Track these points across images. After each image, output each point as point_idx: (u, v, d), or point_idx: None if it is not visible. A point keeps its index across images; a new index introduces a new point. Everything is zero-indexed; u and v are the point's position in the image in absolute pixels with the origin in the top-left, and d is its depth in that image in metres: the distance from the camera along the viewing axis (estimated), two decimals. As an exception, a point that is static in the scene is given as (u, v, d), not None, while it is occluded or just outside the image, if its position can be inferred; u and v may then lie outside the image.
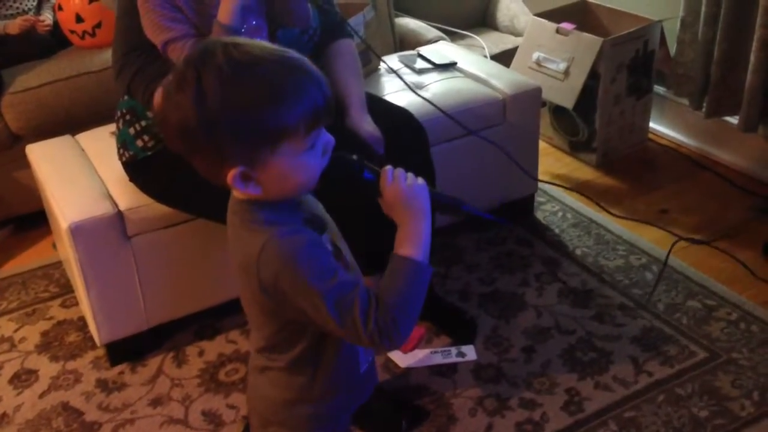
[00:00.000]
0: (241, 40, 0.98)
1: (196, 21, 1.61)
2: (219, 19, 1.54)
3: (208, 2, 1.60)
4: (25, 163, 2.20)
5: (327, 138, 1.01)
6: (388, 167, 1.07)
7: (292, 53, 0.97)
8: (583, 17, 2.81)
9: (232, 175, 0.96)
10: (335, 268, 0.99)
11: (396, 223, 1.05)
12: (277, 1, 1.65)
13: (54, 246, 2.39)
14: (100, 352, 1.99)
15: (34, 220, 2.47)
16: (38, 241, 2.49)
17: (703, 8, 2.50)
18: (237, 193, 1.04)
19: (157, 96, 1.64)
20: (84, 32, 2.58)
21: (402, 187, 1.04)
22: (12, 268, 2.37)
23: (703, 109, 2.62)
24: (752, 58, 2.38)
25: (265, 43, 0.98)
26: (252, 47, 0.96)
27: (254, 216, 1.01)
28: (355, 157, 1.07)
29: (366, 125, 1.76)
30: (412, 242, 1.02)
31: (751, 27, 2.38)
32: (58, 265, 2.34)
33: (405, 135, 1.85)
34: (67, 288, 2.25)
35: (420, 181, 1.06)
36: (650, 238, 2.30)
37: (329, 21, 1.84)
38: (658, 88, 2.82)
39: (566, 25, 2.62)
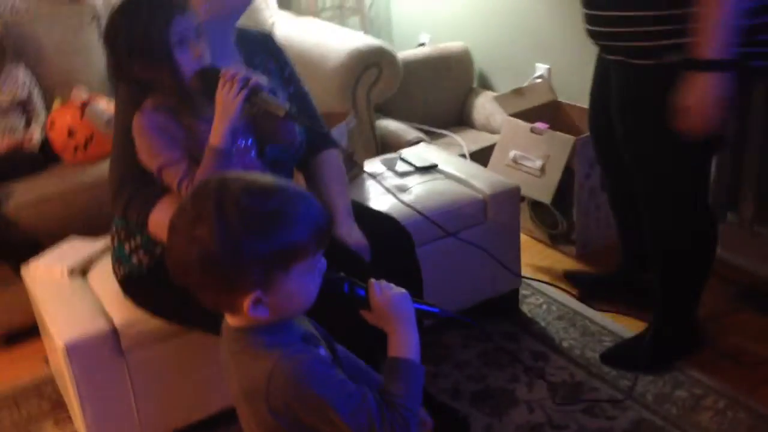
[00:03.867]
0: (247, 174, 1.07)
1: (188, 145, 1.68)
2: (211, 142, 1.62)
3: (196, 128, 1.68)
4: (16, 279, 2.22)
5: (322, 261, 1.10)
6: (373, 281, 1.15)
7: (291, 183, 1.07)
8: (555, 116, 2.93)
9: (249, 300, 1.03)
10: (342, 380, 1.05)
11: (385, 331, 1.13)
12: (264, 122, 1.73)
13: (46, 360, 2.39)
14: (94, 468, 1.97)
15: (23, 333, 2.47)
16: (28, 355, 2.48)
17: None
18: (234, 321, 1.09)
19: (156, 227, 1.69)
20: (75, 147, 2.61)
21: (391, 298, 1.13)
22: (2, 385, 2.36)
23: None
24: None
25: (267, 175, 1.07)
26: (259, 179, 1.05)
27: (256, 341, 1.06)
28: (342, 274, 1.15)
29: (354, 234, 1.82)
30: (405, 346, 1.11)
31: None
32: (50, 380, 2.34)
33: (391, 241, 1.92)
34: (59, 404, 2.24)
35: (402, 290, 1.15)
36: (634, 328, 2.34)
37: (314, 133, 1.92)
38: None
39: (540, 125, 2.74)
